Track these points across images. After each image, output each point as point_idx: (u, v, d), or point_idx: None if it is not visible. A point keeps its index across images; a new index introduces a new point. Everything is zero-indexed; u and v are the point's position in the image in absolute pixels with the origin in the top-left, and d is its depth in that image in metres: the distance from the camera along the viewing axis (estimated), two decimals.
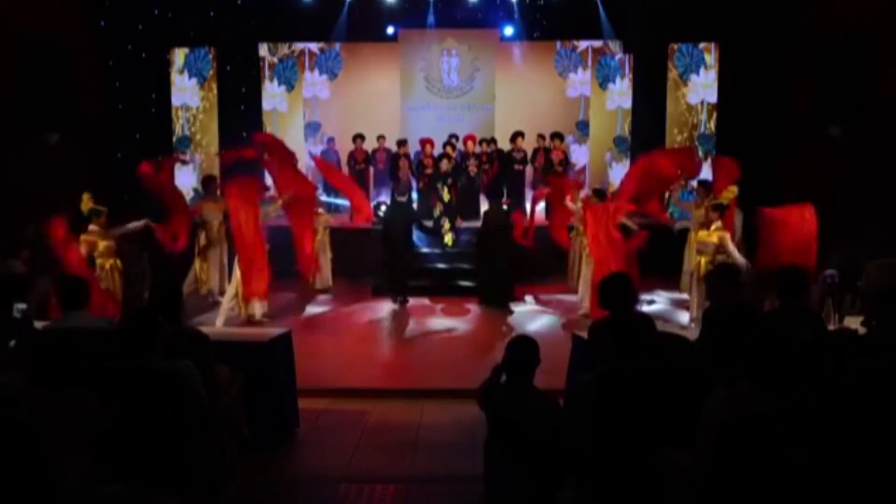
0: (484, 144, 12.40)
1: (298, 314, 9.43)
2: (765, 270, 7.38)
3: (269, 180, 9.94)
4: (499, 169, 12.21)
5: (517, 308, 9.80)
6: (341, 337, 8.48)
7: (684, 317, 8.82)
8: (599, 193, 9.34)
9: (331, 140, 13.17)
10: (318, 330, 8.69)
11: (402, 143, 12.40)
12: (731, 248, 7.86)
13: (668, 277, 10.05)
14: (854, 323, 5.56)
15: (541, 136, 12.56)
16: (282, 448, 5.41)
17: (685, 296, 9.34)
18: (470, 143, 12.25)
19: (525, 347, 3.72)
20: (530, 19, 13.14)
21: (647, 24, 12.08)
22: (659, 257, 9.24)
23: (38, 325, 4.89)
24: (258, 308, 8.65)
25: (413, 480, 4.90)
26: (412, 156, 12.53)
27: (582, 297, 9.15)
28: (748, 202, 8.70)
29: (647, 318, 4.33)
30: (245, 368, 4.78)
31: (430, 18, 12.97)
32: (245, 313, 8.51)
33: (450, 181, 11.31)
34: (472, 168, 11.92)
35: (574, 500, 3.91)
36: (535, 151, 12.54)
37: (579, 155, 13.71)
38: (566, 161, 12.50)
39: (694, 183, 10.28)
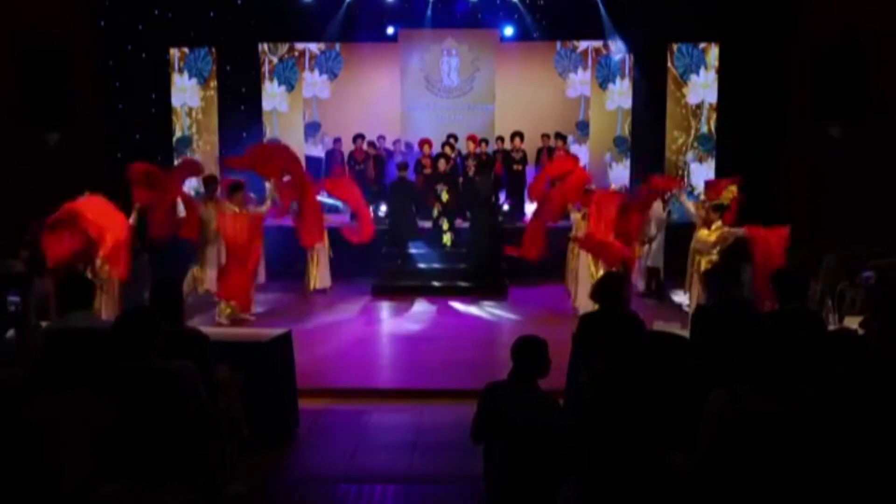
0: (483, 144, 12.40)
1: (298, 314, 9.43)
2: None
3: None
4: (501, 169, 12.21)
5: (517, 307, 9.81)
6: (341, 337, 8.48)
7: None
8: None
9: (337, 140, 13.12)
10: (318, 330, 8.69)
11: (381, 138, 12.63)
12: (730, 231, 7.90)
13: (670, 277, 10.04)
14: (854, 323, 5.57)
15: (545, 136, 12.57)
16: (282, 448, 5.41)
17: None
18: (471, 143, 12.25)
19: (530, 347, 3.70)
20: (530, 19, 13.14)
21: (647, 24, 12.09)
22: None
23: (41, 324, 4.89)
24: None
25: (413, 480, 4.89)
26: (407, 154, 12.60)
27: (578, 296, 9.14)
28: (748, 202, 8.69)
29: (636, 318, 4.36)
30: (245, 368, 4.78)
31: (430, 18, 12.97)
32: (224, 312, 8.57)
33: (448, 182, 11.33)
34: (471, 168, 11.93)
35: (574, 500, 3.91)
36: (539, 151, 12.55)
37: (579, 155, 13.70)
38: None
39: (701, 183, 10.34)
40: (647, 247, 9.87)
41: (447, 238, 11.12)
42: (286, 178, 9.38)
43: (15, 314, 4.66)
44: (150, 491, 2.41)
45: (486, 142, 12.45)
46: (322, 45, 13.67)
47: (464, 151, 12.31)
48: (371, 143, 12.61)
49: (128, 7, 12.04)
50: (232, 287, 8.58)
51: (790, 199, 10.73)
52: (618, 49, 13.00)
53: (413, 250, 11.18)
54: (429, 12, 12.93)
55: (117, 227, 7.57)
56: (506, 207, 12.46)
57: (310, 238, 9.85)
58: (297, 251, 10.16)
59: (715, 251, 8.05)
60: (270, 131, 13.50)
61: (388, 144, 13.08)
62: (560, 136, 12.46)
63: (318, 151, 13.65)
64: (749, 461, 2.95)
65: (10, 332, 4.45)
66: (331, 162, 12.99)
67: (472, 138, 12.29)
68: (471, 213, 11.05)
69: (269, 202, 9.14)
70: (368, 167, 12.56)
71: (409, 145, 13.15)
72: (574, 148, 13.65)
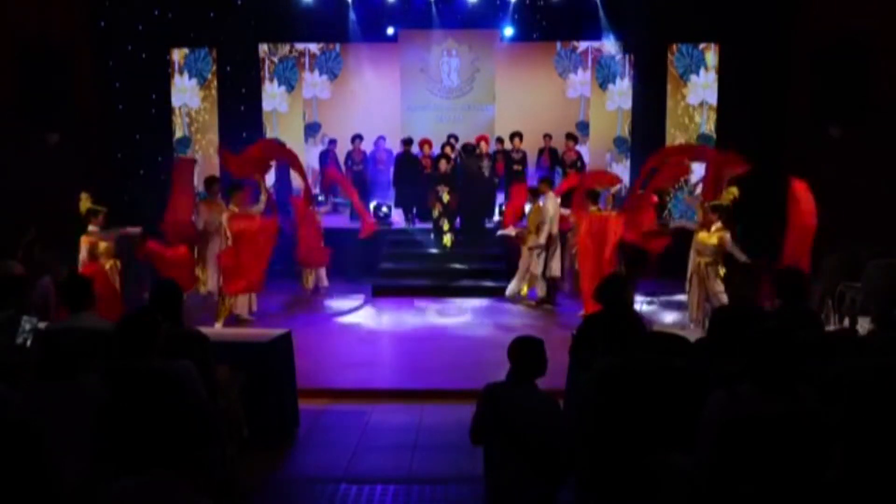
0: (484, 145, 12.43)
1: (298, 314, 9.43)
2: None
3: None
4: (503, 169, 12.25)
5: (517, 307, 9.82)
6: (341, 337, 8.49)
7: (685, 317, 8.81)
8: (593, 195, 9.30)
9: (332, 141, 13.11)
10: (318, 330, 8.69)
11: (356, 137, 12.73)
12: (732, 246, 7.86)
13: (670, 277, 10.02)
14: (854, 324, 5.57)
15: (547, 136, 12.58)
16: (282, 448, 5.41)
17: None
18: (483, 144, 12.27)
19: (526, 348, 3.70)
20: (530, 20, 13.14)
21: (646, 24, 12.09)
22: (661, 257, 9.23)
23: (41, 325, 4.89)
24: (244, 307, 8.82)
25: (413, 480, 4.90)
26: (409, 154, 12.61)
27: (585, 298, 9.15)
28: (747, 201, 8.67)
29: (638, 320, 4.36)
30: (245, 368, 4.78)
31: (431, 19, 12.97)
32: (225, 311, 8.55)
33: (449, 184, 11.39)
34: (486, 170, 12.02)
35: (574, 499, 3.92)
36: (541, 151, 12.56)
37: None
38: (580, 161, 12.49)
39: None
40: (541, 257, 9.72)
41: (447, 239, 11.13)
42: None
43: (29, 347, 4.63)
44: (154, 489, 2.41)
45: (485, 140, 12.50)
46: (322, 46, 13.67)
47: None
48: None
49: (128, 7, 12.03)
50: (241, 282, 8.50)
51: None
52: (612, 41, 12.97)
53: (413, 250, 11.21)
54: (429, 12, 12.93)
55: None
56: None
57: (309, 259, 9.94)
58: (294, 251, 10.14)
59: (714, 256, 8.02)
60: (270, 131, 13.48)
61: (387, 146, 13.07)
62: (571, 136, 12.54)
63: (318, 152, 13.64)
64: (750, 461, 2.95)
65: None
66: (325, 163, 13.00)
67: (483, 139, 12.33)
68: (462, 188, 11.23)
69: (263, 199, 9.15)
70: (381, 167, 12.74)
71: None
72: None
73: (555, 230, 9.66)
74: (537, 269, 9.76)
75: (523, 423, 3.56)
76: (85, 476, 2.87)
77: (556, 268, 9.80)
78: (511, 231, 10.20)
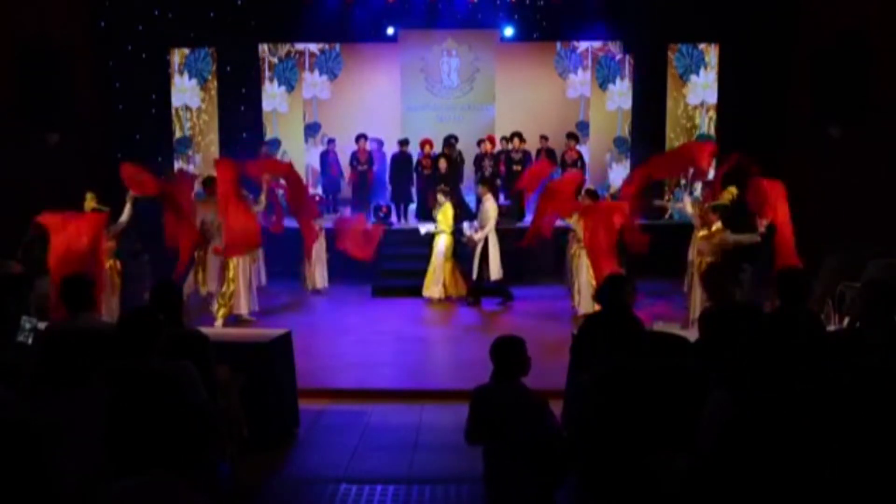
0: (489, 144, 12.45)
1: (297, 314, 9.44)
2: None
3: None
4: (503, 169, 12.27)
5: (517, 307, 9.82)
6: (341, 337, 8.49)
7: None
8: (592, 194, 9.30)
9: (331, 141, 13.10)
10: (318, 330, 8.70)
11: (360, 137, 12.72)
12: (734, 238, 7.83)
13: (670, 277, 10.02)
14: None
15: (544, 137, 12.60)
16: (282, 448, 5.42)
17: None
18: (488, 143, 12.25)
19: (505, 347, 3.69)
20: (530, 20, 13.14)
21: (647, 24, 12.09)
22: (661, 257, 9.23)
23: (41, 325, 4.89)
24: (244, 307, 8.80)
25: (413, 480, 4.90)
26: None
27: (582, 297, 9.14)
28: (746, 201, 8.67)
29: (638, 319, 4.36)
30: (245, 368, 4.79)
31: (431, 19, 12.97)
32: (225, 312, 8.55)
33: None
34: (488, 168, 12.03)
35: (574, 499, 3.92)
36: (538, 152, 12.58)
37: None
38: (581, 161, 12.50)
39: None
40: (474, 256, 9.81)
41: None
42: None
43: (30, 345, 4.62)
44: (154, 489, 2.41)
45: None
46: (322, 46, 13.67)
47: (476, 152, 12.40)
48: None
49: (128, 7, 12.04)
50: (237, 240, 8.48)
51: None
52: (613, 41, 12.99)
53: (413, 250, 11.21)
54: (429, 12, 12.93)
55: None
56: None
57: (310, 237, 9.91)
58: (295, 252, 10.16)
59: (715, 253, 8.02)
60: (270, 132, 13.49)
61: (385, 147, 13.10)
62: (572, 136, 12.56)
63: (318, 153, 13.64)
64: (750, 462, 2.95)
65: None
66: (325, 163, 13.00)
67: (489, 139, 12.31)
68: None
69: (262, 200, 9.18)
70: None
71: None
72: None
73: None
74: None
75: (513, 423, 3.55)
76: (87, 476, 2.87)
77: (495, 269, 9.83)
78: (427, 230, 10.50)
